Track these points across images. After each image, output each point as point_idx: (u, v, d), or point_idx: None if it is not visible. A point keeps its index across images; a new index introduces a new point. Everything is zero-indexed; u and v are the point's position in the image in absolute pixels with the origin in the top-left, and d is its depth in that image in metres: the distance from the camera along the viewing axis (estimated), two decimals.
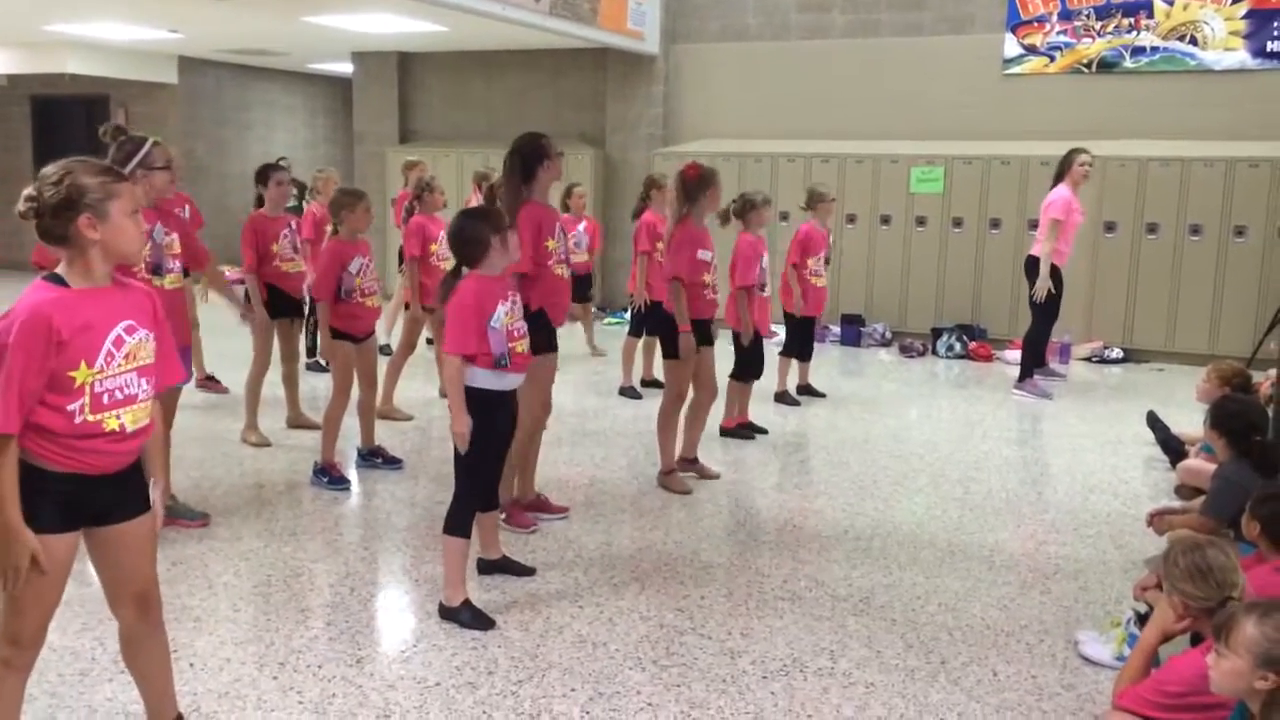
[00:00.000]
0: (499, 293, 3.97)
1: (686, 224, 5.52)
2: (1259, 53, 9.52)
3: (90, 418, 2.58)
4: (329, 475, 5.49)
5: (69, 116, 14.62)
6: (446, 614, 3.94)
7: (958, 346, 9.70)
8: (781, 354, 7.67)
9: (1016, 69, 10.32)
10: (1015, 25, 10.27)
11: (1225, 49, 9.62)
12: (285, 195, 6.47)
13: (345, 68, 13.79)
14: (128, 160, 4.60)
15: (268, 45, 12.77)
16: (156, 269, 4.65)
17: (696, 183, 5.45)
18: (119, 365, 2.63)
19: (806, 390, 7.88)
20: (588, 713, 3.30)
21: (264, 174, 6.30)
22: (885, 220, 10.39)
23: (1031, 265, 7.97)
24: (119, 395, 2.63)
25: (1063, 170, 7.91)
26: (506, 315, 3.95)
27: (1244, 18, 9.54)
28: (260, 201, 6.35)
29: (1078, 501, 5.55)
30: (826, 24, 10.96)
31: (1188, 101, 9.72)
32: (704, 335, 5.59)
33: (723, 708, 3.35)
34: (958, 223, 10.13)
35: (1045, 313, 8.01)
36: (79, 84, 13.52)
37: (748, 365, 6.58)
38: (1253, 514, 3.43)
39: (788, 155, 10.70)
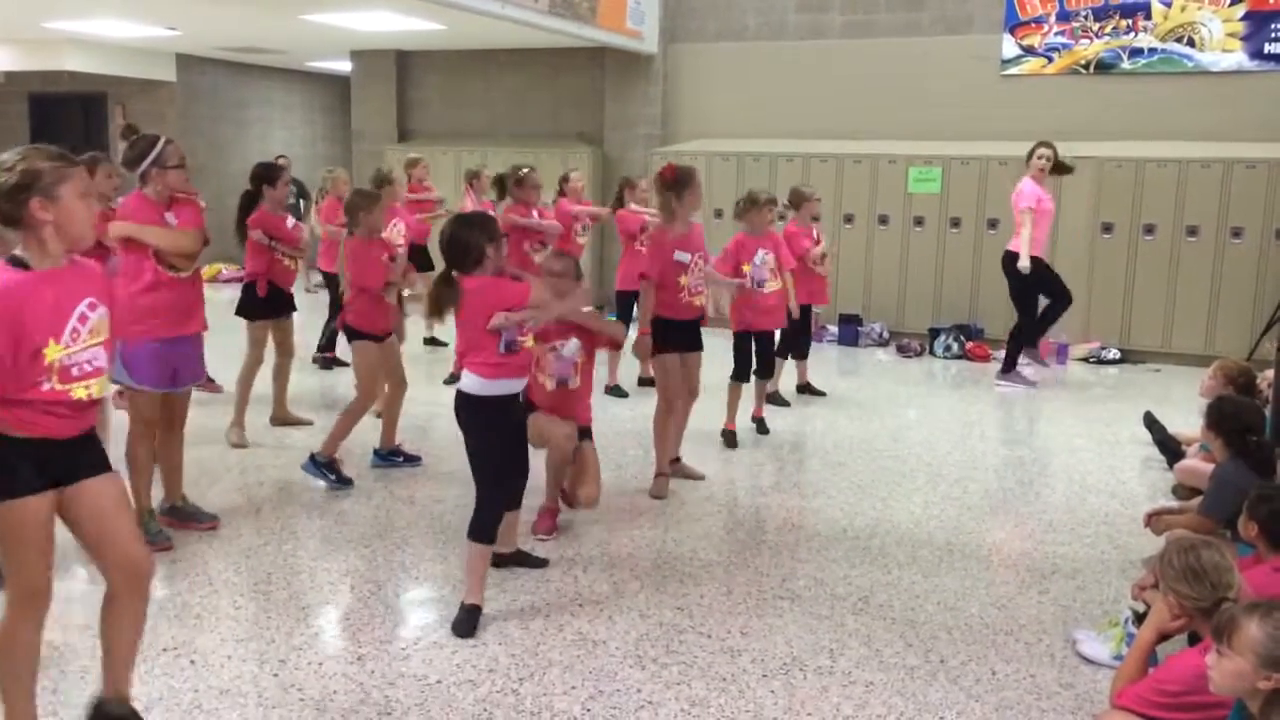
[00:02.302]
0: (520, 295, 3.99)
1: (668, 225, 5.51)
2: (1256, 54, 9.54)
3: (59, 387, 2.75)
4: (335, 474, 5.50)
5: (67, 114, 14.60)
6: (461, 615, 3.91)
7: (955, 346, 9.72)
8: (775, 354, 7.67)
9: (1014, 70, 10.34)
10: (1013, 26, 10.29)
11: (1223, 50, 9.65)
12: (286, 195, 6.48)
13: (344, 66, 13.79)
14: (141, 158, 4.64)
15: (266, 43, 12.76)
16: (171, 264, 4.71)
17: (674, 182, 5.40)
18: (84, 340, 2.79)
19: (806, 389, 7.89)
20: (588, 710, 3.31)
21: (271, 174, 6.17)
22: (883, 220, 10.40)
23: (1008, 260, 8.14)
24: (87, 368, 2.81)
25: (1029, 165, 8.20)
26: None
27: (1242, 19, 9.57)
28: (252, 200, 6.13)
29: (1075, 501, 5.57)
30: (825, 24, 10.98)
31: (1185, 103, 9.74)
32: (686, 339, 5.53)
33: (722, 706, 3.36)
34: (955, 223, 10.14)
35: (1027, 306, 8.22)
36: (77, 81, 13.51)
37: (760, 364, 6.54)
38: (1250, 514, 3.44)
39: (786, 155, 10.71)
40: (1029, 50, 10.27)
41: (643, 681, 3.51)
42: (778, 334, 6.95)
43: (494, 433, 3.98)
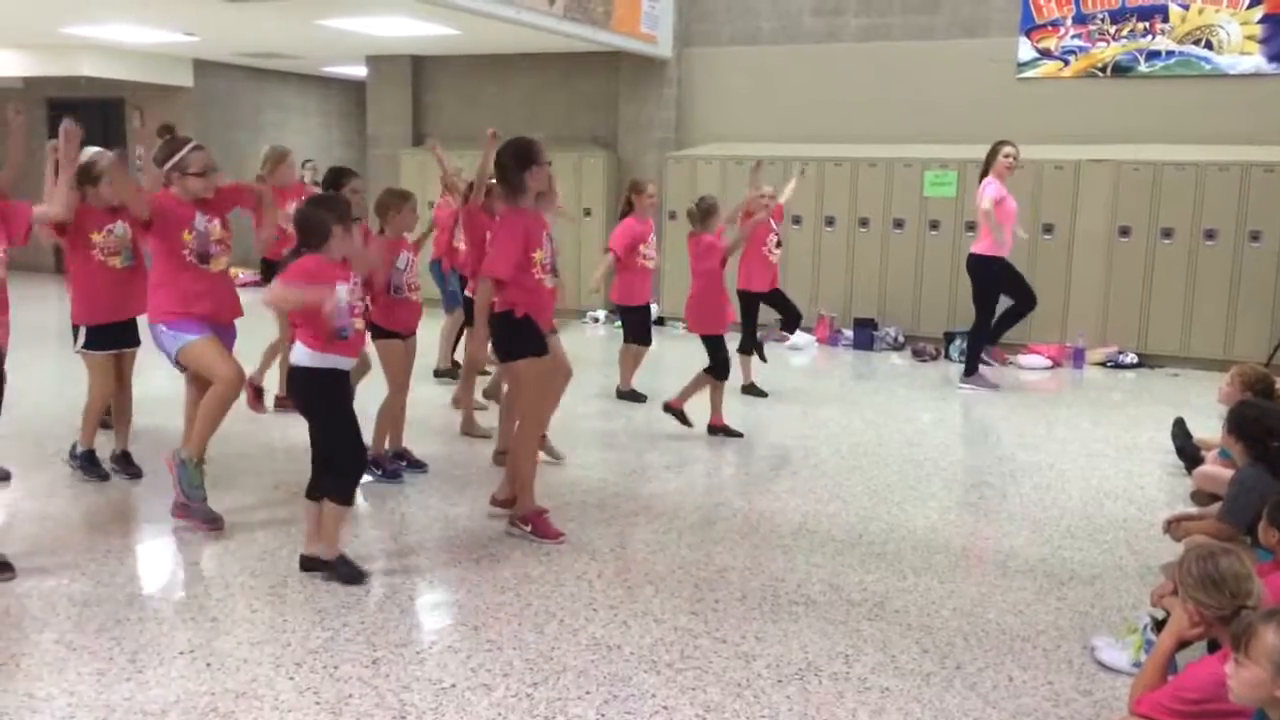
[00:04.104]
0: (338, 275, 4.17)
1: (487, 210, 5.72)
2: (1275, 57, 9.49)
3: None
4: (381, 469, 5.60)
5: (84, 119, 14.61)
6: (311, 566, 4.30)
7: None
8: (739, 351, 7.88)
9: (1031, 73, 10.30)
10: (1030, 29, 10.25)
11: (1241, 53, 9.59)
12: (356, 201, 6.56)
13: (359, 71, 13.84)
14: (165, 160, 4.71)
15: (282, 48, 12.82)
16: (203, 256, 4.86)
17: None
18: None
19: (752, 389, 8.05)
20: (602, 715, 3.31)
21: (338, 179, 5.89)
22: (899, 224, 10.37)
23: (973, 263, 8.20)
24: None
25: (989, 163, 8.17)
26: (348, 293, 4.18)
27: (1260, 22, 9.51)
28: None
29: (1093, 507, 5.53)
30: (839, 28, 10.96)
31: (1203, 106, 9.69)
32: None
33: (737, 711, 3.35)
34: (971, 227, 10.06)
35: (986, 306, 8.27)
36: (94, 86, 13.59)
37: (720, 365, 6.74)
38: (1270, 520, 3.41)
39: (801, 159, 10.69)
40: (1045, 53, 10.23)
41: (657, 687, 3.50)
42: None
43: (332, 402, 4.23)
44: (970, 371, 8.44)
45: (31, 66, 13.07)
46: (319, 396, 4.26)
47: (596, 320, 11.54)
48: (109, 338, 5.36)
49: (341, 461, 4.28)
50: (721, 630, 3.93)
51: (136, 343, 5.47)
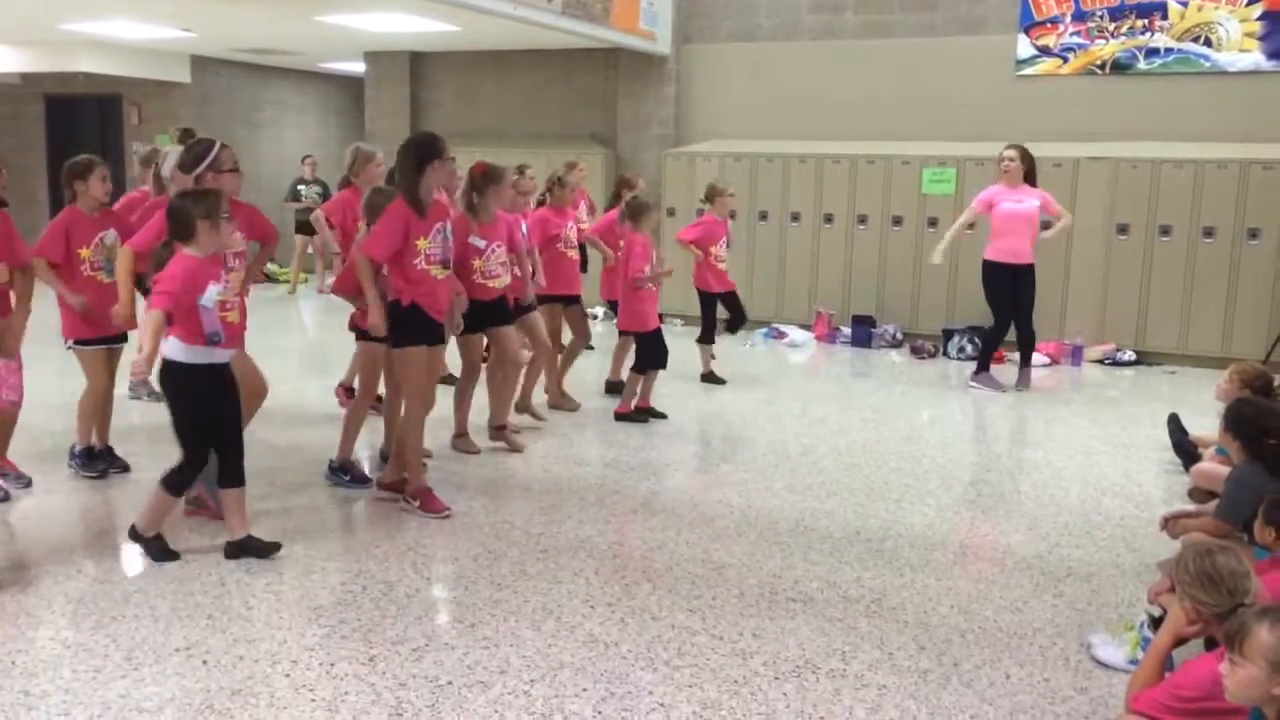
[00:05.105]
0: (211, 272, 4.22)
1: (463, 215, 5.86)
2: (1274, 54, 9.48)
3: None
4: (349, 474, 5.52)
5: (82, 115, 14.68)
6: (134, 536, 4.44)
7: (969, 348, 9.66)
8: (697, 341, 8.19)
9: (1029, 70, 10.29)
10: (1028, 26, 10.25)
11: (1240, 50, 9.58)
12: None
13: (357, 67, 13.83)
14: (197, 163, 4.73)
15: (280, 44, 12.80)
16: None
17: (484, 179, 5.88)
18: None
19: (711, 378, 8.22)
20: (599, 712, 3.30)
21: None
22: (897, 221, 10.37)
23: (984, 268, 8.20)
24: None
25: None
26: (219, 293, 4.22)
27: (1259, 19, 9.50)
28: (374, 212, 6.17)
29: (1090, 504, 5.53)
30: (838, 25, 10.95)
31: (1201, 103, 9.68)
32: (490, 315, 5.95)
33: (735, 708, 3.35)
34: (969, 225, 10.08)
35: (998, 311, 8.27)
36: (92, 83, 13.57)
37: (650, 357, 6.98)
38: (1267, 518, 3.41)
39: (799, 156, 10.69)
40: (1044, 50, 10.22)
41: (655, 684, 3.50)
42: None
43: (195, 398, 4.28)
44: (981, 369, 8.42)
45: (29, 63, 13.06)
46: (182, 392, 4.29)
47: (594, 317, 11.50)
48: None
49: (185, 455, 4.35)
50: (719, 627, 3.93)
51: (125, 338, 5.45)
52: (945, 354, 9.79)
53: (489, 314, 5.94)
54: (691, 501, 5.46)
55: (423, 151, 4.92)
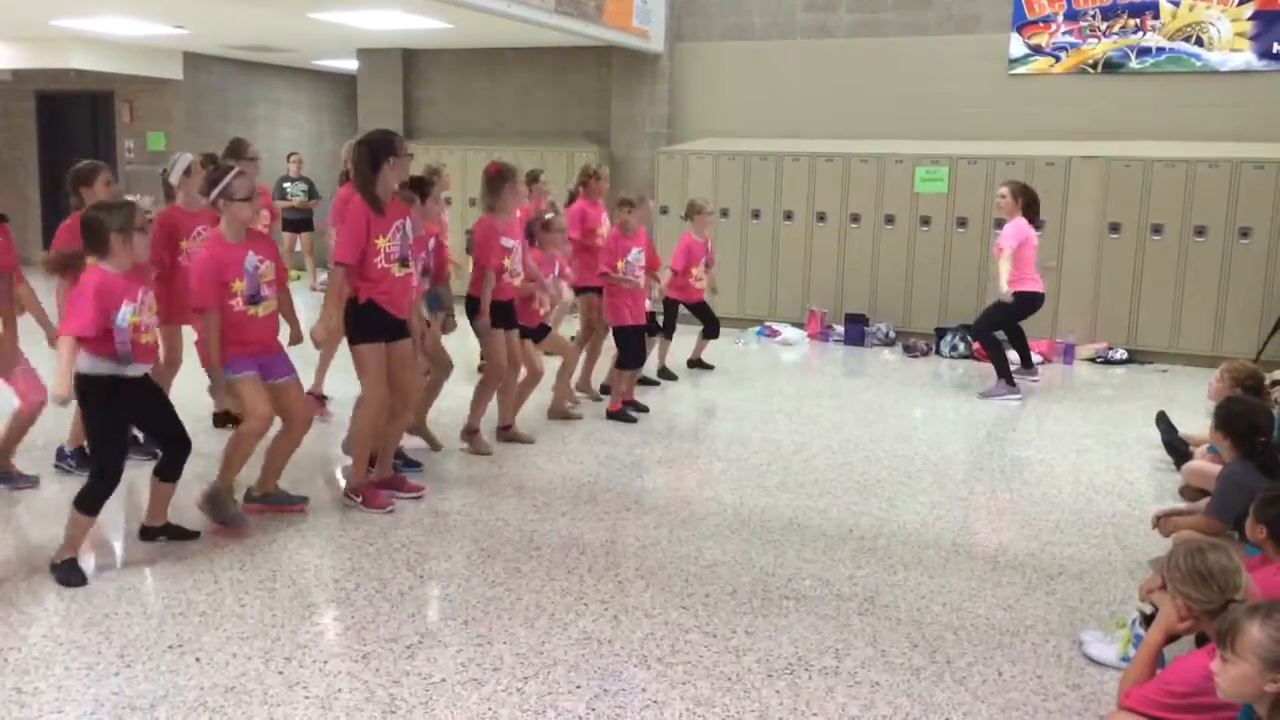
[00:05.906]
0: (125, 291, 4.11)
1: (490, 217, 5.92)
2: (1265, 54, 9.51)
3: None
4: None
5: (74, 112, 14.61)
6: (54, 569, 4.20)
7: (961, 346, 9.70)
8: (648, 333, 8.02)
9: (1022, 69, 10.31)
10: (1021, 25, 10.26)
11: (1231, 50, 9.61)
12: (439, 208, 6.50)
13: (350, 64, 13.79)
14: (211, 188, 4.66)
15: (273, 42, 12.76)
16: (253, 298, 4.70)
17: (498, 177, 5.93)
18: None
19: (664, 373, 8.33)
20: (593, 710, 3.31)
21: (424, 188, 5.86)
22: (889, 220, 10.38)
23: (1027, 299, 8.11)
24: None
25: None
26: (133, 315, 4.11)
27: (1250, 19, 9.53)
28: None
29: (1082, 502, 5.55)
30: (832, 23, 10.96)
31: (1193, 102, 9.71)
32: (507, 318, 6.03)
33: (727, 706, 3.35)
34: (962, 223, 10.12)
35: (997, 325, 8.22)
36: (84, 80, 13.51)
37: (625, 355, 7.03)
38: (1258, 517, 3.42)
39: (792, 154, 10.70)
40: (1037, 49, 10.24)
41: (648, 681, 3.50)
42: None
43: (106, 411, 4.16)
44: (1003, 372, 8.16)
45: (20, 59, 12.99)
46: (92, 406, 4.15)
47: None
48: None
49: (98, 469, 4.22)
50: (712, 625, 3.93)
51: None
52: (938, 352, 9.81)
53: (505, 315, 6.04)
54: (684, 499, 5.46)
55: (378, 149, 4.86)
